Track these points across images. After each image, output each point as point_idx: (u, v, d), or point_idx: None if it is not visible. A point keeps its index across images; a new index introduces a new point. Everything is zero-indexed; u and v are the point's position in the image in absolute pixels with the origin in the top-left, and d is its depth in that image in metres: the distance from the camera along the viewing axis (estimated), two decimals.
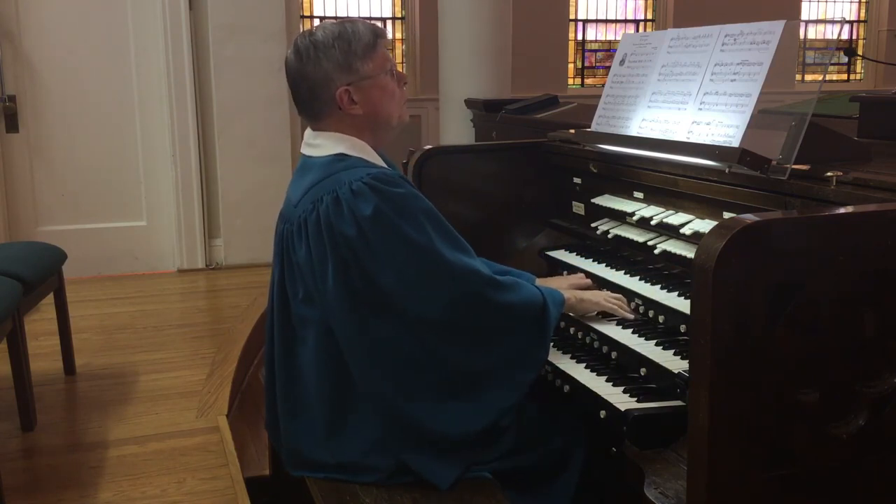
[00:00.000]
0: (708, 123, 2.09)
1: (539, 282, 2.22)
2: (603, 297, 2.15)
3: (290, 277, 1.95)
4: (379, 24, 8.37)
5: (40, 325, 3.79)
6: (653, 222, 2.29)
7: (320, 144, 1.97)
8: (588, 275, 2.42)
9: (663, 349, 1.94)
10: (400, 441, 1.90)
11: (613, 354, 2.08)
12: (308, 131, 2.02)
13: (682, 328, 1.97)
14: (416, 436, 1.88)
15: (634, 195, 2.45)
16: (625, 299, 2.17)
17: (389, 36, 8.39)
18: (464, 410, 1.88)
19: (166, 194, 5.12)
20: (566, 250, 2.63)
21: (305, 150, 2.02)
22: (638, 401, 1.83)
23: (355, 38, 1.92)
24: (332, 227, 1.83)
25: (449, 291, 1.84)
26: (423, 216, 1.85)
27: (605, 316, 2.20)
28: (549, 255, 2.65)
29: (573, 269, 2.50)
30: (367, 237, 1.81)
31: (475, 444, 1.91)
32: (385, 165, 1.97)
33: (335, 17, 8.31)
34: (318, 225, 1.85)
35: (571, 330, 2.25)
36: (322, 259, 1.85)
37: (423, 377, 1.87)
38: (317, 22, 8.37)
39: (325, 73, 1.91)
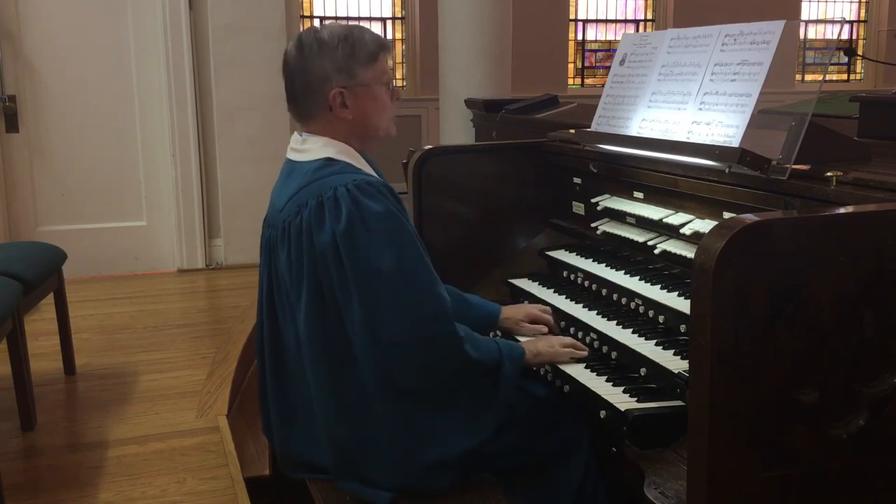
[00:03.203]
0: (708, 123, 2.09)
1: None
2: (559, 346, 2.09)
3: (277, 284, 1.95)
4: (380, 26, 8.33)
5: (40, 325, 3.79)
6: (653, 222, 2.29)
7: (308, 150, 1.96)
8: (587, 275, 2.42)
9: (663, 349, 1.94)
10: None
11: (613, 354, 2.08)
12: (295, 136, 2.01)
13: (682, 328, 1.97)
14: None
15: (634, 195, 2.45)
16: (580, 345, 2.12)
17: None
18: (408, 461, 1.86)
19: (166, 194, 5.12)
20: (566, 250, 2.63)
21: (292, 156, 2.00)
22: (638, 401, 1.83)
23: (360, 43, 1.92)
24: (311, 235, 1.82)
25: (408, 322, 1.80)
26: (396, 240, 1.82)
27: (605, 315, 2.20)
28: (549, 255, 2.65)
29: (573, 269, 2.50)
30: (339, 253, 1.80)
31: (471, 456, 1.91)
32: (371, 172, 1.96)
33: (336, 18, 8.32)
34: (300, 230, 1.85)
35: (571, 330, 2.25)
36: (299, 272, 1.85)
37: (374, 416, 1.86)
38: (317, 22, 8.38)
39: (324, 71, 1.90)
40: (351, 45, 1.91)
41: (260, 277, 2.03)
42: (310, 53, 1.91)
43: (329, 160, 1.92)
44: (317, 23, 8.38)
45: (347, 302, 1.81)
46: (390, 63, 2.01)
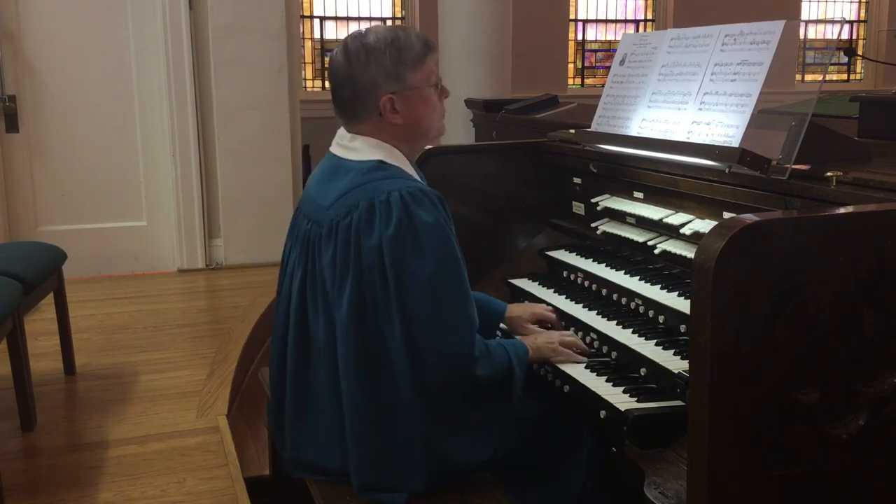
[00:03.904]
0: (708, 123, 2.09)
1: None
2: (558, 343, 2.10)
3: (311, 282, 1.93)
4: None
5: (40, 325, 3.79)
6: (653, 222, 2.29)
7: (357, 148, 1.94)
8: (587, 275, 2.42)
9: (663, 349, 1.94)
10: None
11: (613, 354, 2.08)
12: (342, 132, 1.99)
13: (682, 328, 1.97)
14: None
15: (634, 195, 2.45)
16: (580, 340, 2.14)
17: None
18: (430, 467, 1.87)
19: (166, 194, 5.12)
20: (566, 250, 2.63)
21: (338, 151, 1.98)
22: (638, 401, 1.83)
23: (407, 46, 1.90)
24: (359, 237, 1.82)
25: (441, 333, 1.81)
26: (440, 251, 1.82)
27: (605, 315, 2.20)
28: (549, 255, 2.65)
29: (573, 269, 2.50)
30: (383, 258, 1.80)
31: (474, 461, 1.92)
32: (421, 180, 1.96)
33: (336, 18, 8.32)
34: (349, 232, 1.83)
35: (571, 329, 2.25)
36: (344, 270, 1.84)
37: (401, 420, 1.87)
38: (317, 22, 8.38)
39: (373, 79, 1.89)
40: (398, 48, 1.89)
41: (286, 266, 2.02)
42: (357, 61, 1.89)
43: (381, 163, 1.90)
44: (317, 23, 8.38)
45: (387, 306, 1.81)
46: (436, 62, 2.00)
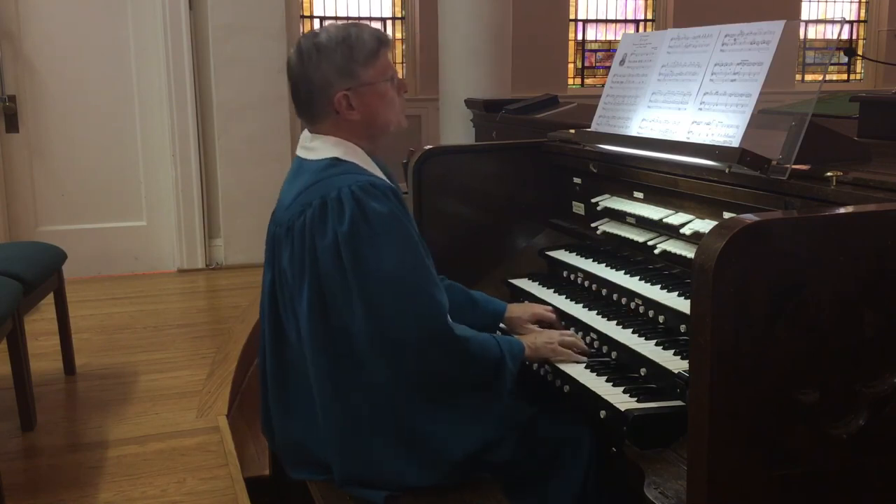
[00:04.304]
0: (708, 123, 2.09)
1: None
2: (558, 343, 2.10)
3: (279, 282, 1.95)
4: (380, 26, 8.33)
5: (40, 325, 3.79)
6: (653, 222, 2.29)
7: (316, 147, 1.96)
8: (587, 275, 2.42)
9: (663, 349, 1.94)
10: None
11: (613, 354, 2.08)
12: (305, 133, 2.02)
13: (682, 328, 1.97)
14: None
15: (634, 195, 2.45)
16: (580, 340, 2.13)
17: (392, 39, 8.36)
18: (414, 459, 1.87)
19: (166, 194, 5.12)
20: (566, 250, 2.63)
21: (301, 153, 2.01)
22: (638, 401, 1.83)
23: (359, 43, 1.91)
24: (313, 236, 1.83)
25: (408, 322, 1.81)
26: (397, 241, 1.83)
27: (605, 315, 2.20)
28: (549, 255, 2.65)
29: (573, 269, 2.50)
30: (340, 255, 1.80)
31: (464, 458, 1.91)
32: (379, 173, 1.96)
33: (336, 18, 8.32)
34: (303, 231, 1.85)
35: (572, 329, 2.25)
36: (301, 270, 1.85)
37: (378, 413, 1.86)
38: (317, 22, 8.37)
39: (325, 77, 1.90)
40: (350, 45, 1.90)
41: (264, 271, 2.04)
42: (309, 60, 1.91)
43: (335, 160, 1.92)
44: (317, 23, 8.38)
45: (348, 301, 1.81)
46: (391, 56, 2.00)
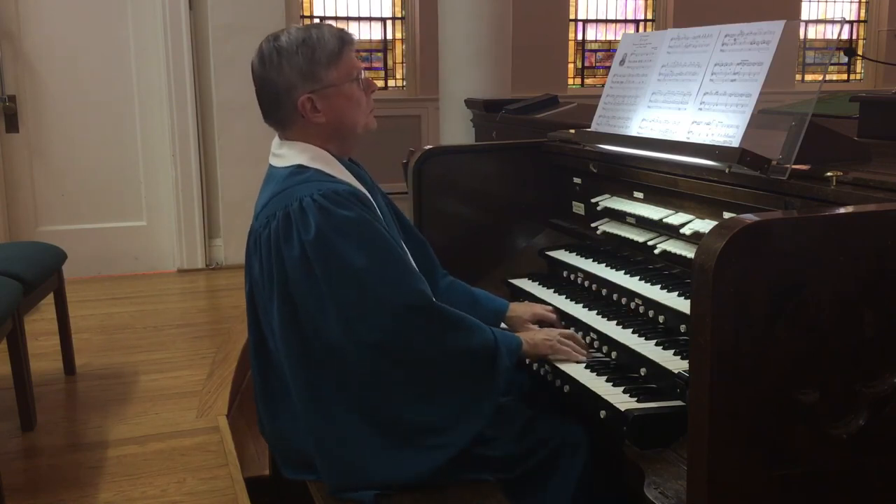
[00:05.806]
0: (708, 123, 2.09)
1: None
2: (557, 340, 2.09)
3: (256, 291, 1.96)
4: (380, 26, 8.29)
5: (40, 325, 3.79)
6: (653, 222, 2.29)
7: (283, 154, 1.94)
8: (587, 275, 2.42)
9: (663, 349, 1.94)
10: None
11: (613, 354, 2.08)
12: (275, 140, 1.99)
13: (682, 328, 1.97)
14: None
15: (634, 195, 2.45)
16: (579, 338, 2.13)
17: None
18: (403, 456, 1.85)
19: (166, 194, 5.12)
20: (566, 250, 2.63)
21: (271, 160, 1.99)
22: (638, 401, 1.83)
23: (320, 44, 1.88)
24: (280, 247, 1.82)
25: (384, 318, 1.80)
26: (365, 240, 1.81)
27: (605, 315, 2.20)
28: (549, 255, 2.65)
29: (573, 269, 2.50)
30: (309, 262, 1.79)
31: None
32: (347, 177, 1.94)
33: (336, 18, 8.32)
34: (269, 243, 1.84)
35: (571, 329, 2.25)
36: (270, 281, 1.85)
37: (359, 416, 1.85)
38: (316, 22, 8.36)
39: (288, 81, 1.88)
40: (311, 47, 1.87)
41: (244, 278, 2.05)
42: (271, 64, 1.89)
43: (300, 167, 1.90)
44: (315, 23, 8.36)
45: (320, 307, 1.80)
46: (355, 56, 1.96)
